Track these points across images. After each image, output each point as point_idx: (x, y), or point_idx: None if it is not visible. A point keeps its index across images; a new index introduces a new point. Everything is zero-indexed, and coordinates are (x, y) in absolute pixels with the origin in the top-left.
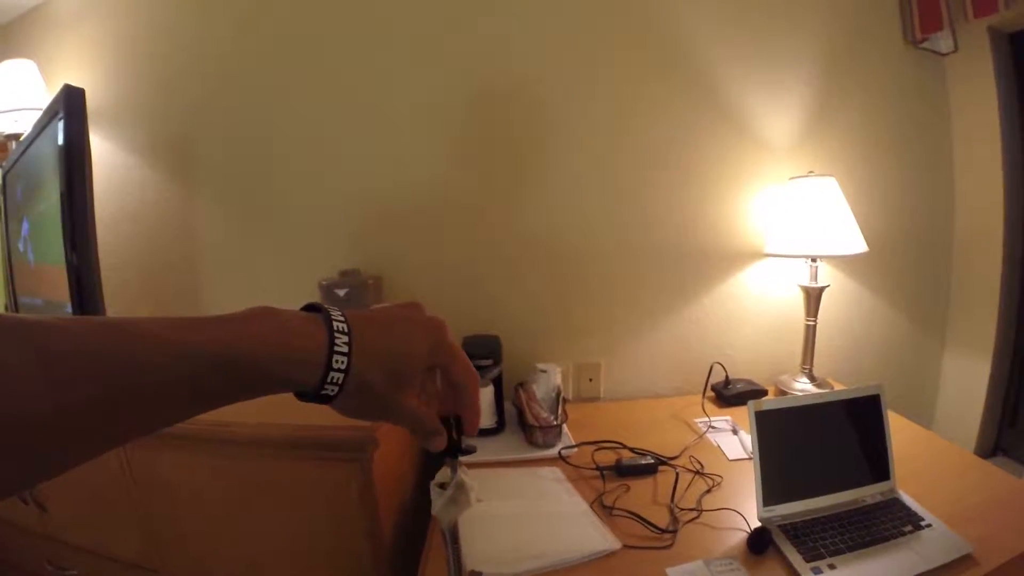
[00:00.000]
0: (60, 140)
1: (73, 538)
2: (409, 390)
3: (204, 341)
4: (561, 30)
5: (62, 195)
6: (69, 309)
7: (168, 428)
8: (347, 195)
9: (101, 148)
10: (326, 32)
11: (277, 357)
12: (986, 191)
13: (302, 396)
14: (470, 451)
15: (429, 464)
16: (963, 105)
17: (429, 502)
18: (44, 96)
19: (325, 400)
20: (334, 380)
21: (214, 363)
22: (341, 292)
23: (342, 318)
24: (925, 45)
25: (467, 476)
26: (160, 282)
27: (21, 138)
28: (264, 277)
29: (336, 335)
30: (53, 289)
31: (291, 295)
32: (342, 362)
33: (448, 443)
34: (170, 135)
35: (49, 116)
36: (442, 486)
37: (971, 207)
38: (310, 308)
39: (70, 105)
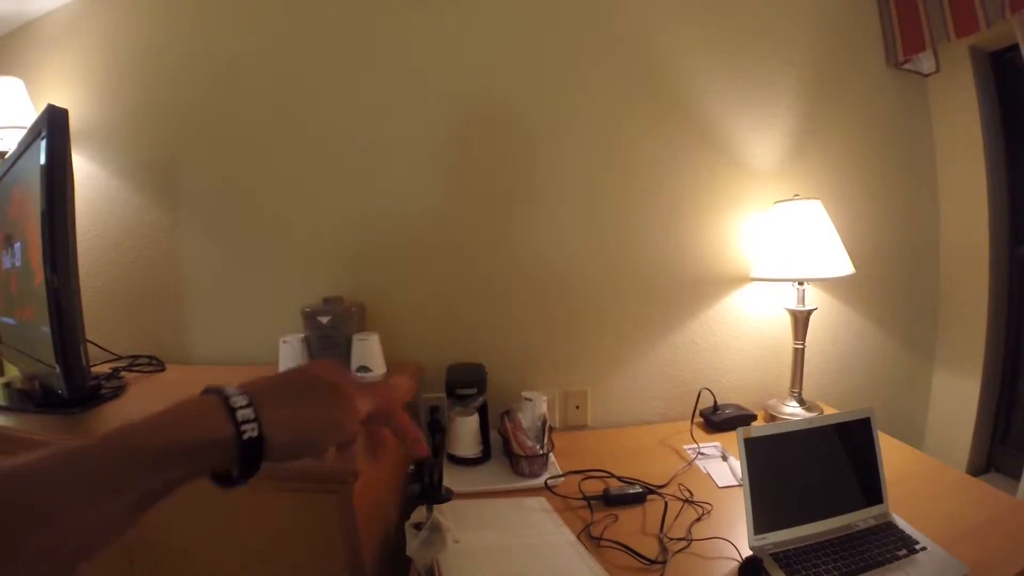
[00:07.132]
0: (42, 160)
1: None
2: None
3: (94, 444)
4: (544, 62)
5: (43, 214)
6: (47, 330)
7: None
8: (332, 222)
9: (87, 169)
10: (313, 61)
11: (171, 419)
12: (971, 209)
13: (226, 480)
14: (447, 498)
15: (412, 497)
16: (946, 124)
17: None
18: (31, 115)
19: (255, 447)
20: (246, 418)
21: (116, 456)
22: (324, 319)
23: (236, 388)
24: (907, 66)
25: (443, 517)
26: (144, 305)
27: (6, 156)
28: (247, 302)
29: (231, 397)
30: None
31: (274, 321)
32: (244, 405)
33: (424, 488)
34: (156, 158)
35: (32, 135)
36: (417, 526)
37: (956, 225)
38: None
39: (53, 125)
